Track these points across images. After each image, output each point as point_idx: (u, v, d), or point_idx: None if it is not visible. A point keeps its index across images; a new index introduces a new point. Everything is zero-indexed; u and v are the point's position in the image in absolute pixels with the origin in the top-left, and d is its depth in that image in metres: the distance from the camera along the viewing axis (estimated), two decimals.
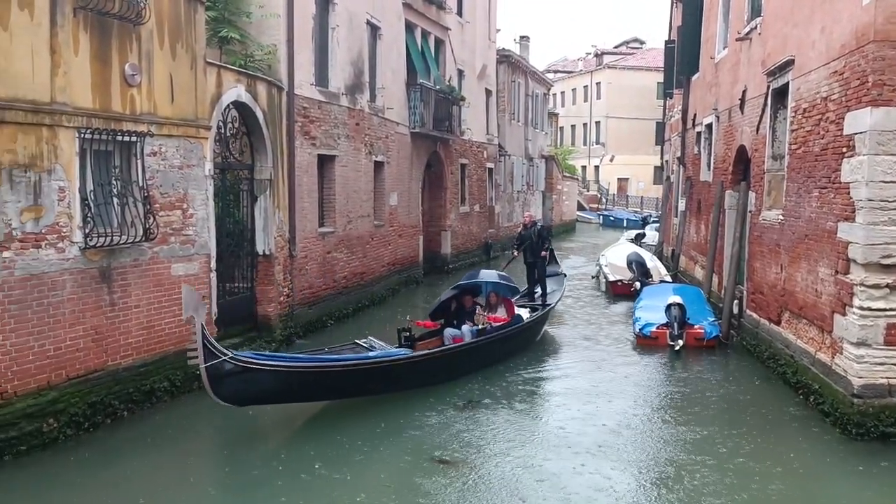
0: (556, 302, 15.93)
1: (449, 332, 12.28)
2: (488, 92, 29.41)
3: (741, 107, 14.88)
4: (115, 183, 9.52)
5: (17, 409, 8.21)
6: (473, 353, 11.91)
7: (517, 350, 13.09)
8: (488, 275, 13.60)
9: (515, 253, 16.40)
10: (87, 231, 8.99)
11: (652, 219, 41.95)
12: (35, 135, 8.38)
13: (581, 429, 9.60)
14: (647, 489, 7.81)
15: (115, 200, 9.52)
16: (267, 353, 9.80)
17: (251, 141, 13.05)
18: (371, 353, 10.55)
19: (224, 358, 8.48)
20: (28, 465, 8.00)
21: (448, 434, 9.31)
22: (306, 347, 13.56)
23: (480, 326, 12.34)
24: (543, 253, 15.92)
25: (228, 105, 12.04)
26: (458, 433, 9.35)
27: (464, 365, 11.67)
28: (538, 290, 15.88)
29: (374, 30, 18.44)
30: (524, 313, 14.09)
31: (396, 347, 11.23)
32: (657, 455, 8.80)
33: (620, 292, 19.72)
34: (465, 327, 12.27)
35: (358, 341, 11.13)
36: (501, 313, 12.98)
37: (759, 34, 13.80)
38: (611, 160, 61.32)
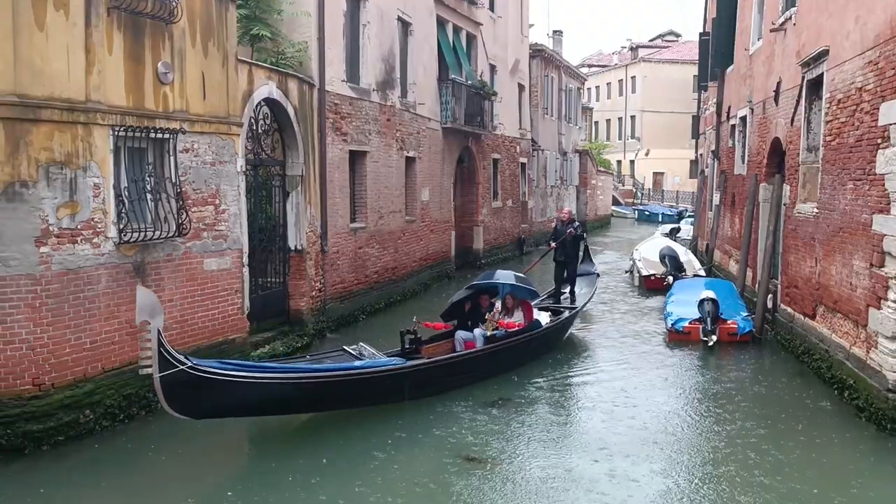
0: (584, 304, 15.16)
1: (461, 335, 11.61)
2: (521, 87, 29.33)
3: (776, 98, 14.68)
4: (148, 179, 9.69)
5: (55, 400, 8.42)
6: (478, 362, 11.08)
7: (531, 358, 12.14)
8: (505, 275, 12.43)
9: (553, 244, 15.55)
10: (121, 226, 9.17)
11: (687, 213, 41.56)
12: (70, 133, 8.57)
13: (613, 428, 9.44)
14: (680, 491, 7.64)
15: (149, 196, 9.69)
16: (234, 361, 8.86)
17: (283, 137, 13.19)
18: (357, 363, 9.63)
19: (182, 367, 7.70)
20: (66, 455, 8.20)
21: (477, 432, 9.22)
22: (337, 342, 13.73)
23: (489, 333, 11.45)
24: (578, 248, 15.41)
25: (260, 102, 12.18)
26: (488, 431, 9.25)
27: (466, 375, 10.82)
28: (565, 290, 15.37)
29: (405, 26, 18.50)
30: (544, 317, 13.19)
31: (388, 356, 10.26)
32: (691, 455, 8.66)
33: (653, 287, 19.59)
34: (478, 331, 11.57)
35: (347, 348, 10.37)
36: (518, 318, 12.01)
37: (794, 24, 13.60)
38: (646, 154, 60.79)
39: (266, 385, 8.53)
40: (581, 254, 16.05)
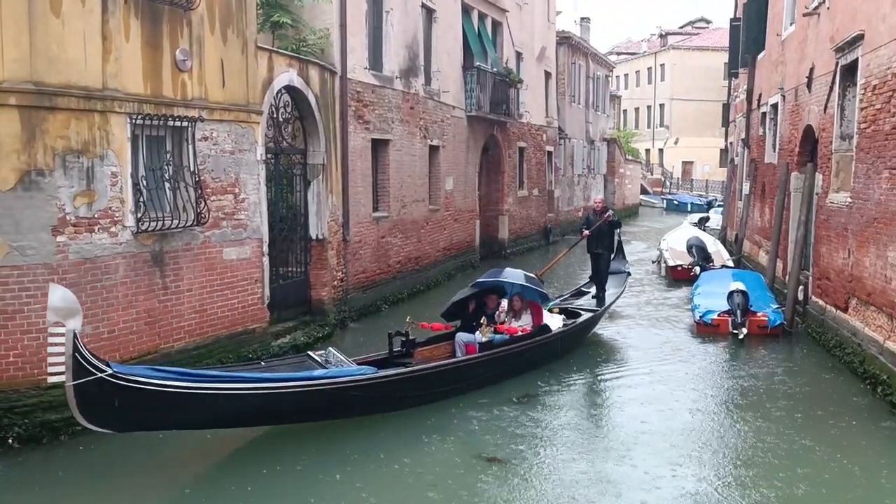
0: (606, 308, 13.86)
1: (461, 337, 10.75)
2: (547, 74, 29.00)
3: (808, 85, 14.29)
4: (166, 168, 9.61)
5: None
6: (462, 372, 10.04)
7: (535, 366, 11.05)
8: (513, 274, 11.39)
9: (585, 232, 14.11)
10: (139, 215, 9.10)
11: (717, 202, 40.97)
12: (87, 121, 8.50)
13: (641, 425, 9.14)
14: (709, 492, 7.35)
15: (167, 185, 9.61)
16: (170, 368, 7.82)
17: (304, 125, 13.06)
18: (316, 373, 8.58)
19: (101, 375, 6.81)
20: (84, 445, 8.15)
21: (499, 430, 8.92)
22: (359, 332, 13.65)
23: (485, 339, 10.54)
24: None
25: (280, 90, 12.05)
26: (511, 430, 8.95)
27: (450, 386, 9.81)
28: (593, 288, 14.35)
29: (429, 13, 18.29)
30: (557, 321, 12.03)
31: (364, 364, 9.32)
32: (721, 454, 8.34)
33: (680, 277, 19.28)
34: (476, 335, 10.71)
35: (313, 354, 9.28)
36: (526, 321, 11.10)
37: (828, 9, 13.20)
38: (675, 143, 60.03)
39: (200, 396, 7.51)
40: (613, 242, 14.77)
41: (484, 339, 10.56)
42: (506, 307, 11.31)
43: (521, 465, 7.99)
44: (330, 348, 9.54)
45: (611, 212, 14.49)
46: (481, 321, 10.76)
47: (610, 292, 14.17)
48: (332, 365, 8.94)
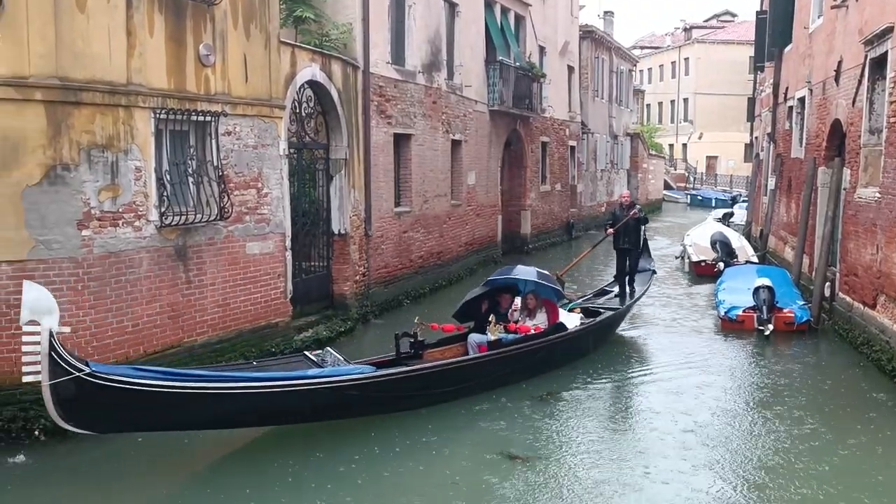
0: (632, 303, 13.47)
1: (474, 338, 10.37)
2: (570, 69, 28.83)
3: (836, 78, 14.09)
4: (190, 162, 9.65)
5: None
6: (472, 371, 9.71)
7: (549, 367, 10.62)
8: (525, 272, 11.05)
9: (609, 230, 13.65)
10: (162, 210, 9.15)
11: (742, 198, 40.59)
12: (112, 115, 8.55)
13: (666, 424, 8.96)
14: (737, 494, 7.20)
15: (191, 180, 9.64)
16: (151, 368, 7.55)
17: (326, 120, 13.07)
18: (311, 372, 8.28)
19: (79, 374, 6.61)
20: (110, 438, 8.18)
21: (521, 428, 8.80)
22: (382, 327, 13.65)
23: (493, 337, 10.20)
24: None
25: (303, 84, 12.07)
26: (533, 427, 8.83)
27: (457, 386, 9.45)
28: (617, 287, 13.80)
29: (451, 7, 18.24)
30: (574, 319, 11.57)
31: (367, 364, 9.04)
32: (748, 457, 8.04)
33: (704, 273, 19.11)
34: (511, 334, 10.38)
35: (309, 354, 8.95)
36: (540, 320, 10.74)
37: (856, 1, 12.99)
38: (699, 138, 59.53)
39: (183, 396, 7.23)
40: (640, 238, 14.14)
41: (493, 338, 10.20)
42: (519, 306, 10.98)
43: (544, 463, 7.89)
44: (328, 348, 9.28)
45: (638, 207, 13.97)
46: (489, 319, 10.42)
47: (637, 289, 13.70)
48: (329, 364, 8.63)
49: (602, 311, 12.66)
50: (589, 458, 8.11)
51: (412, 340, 9.85)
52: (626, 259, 13.59)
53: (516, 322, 10.69)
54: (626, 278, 13.54)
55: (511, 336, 10.30)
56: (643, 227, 14.07)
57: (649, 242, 14.91)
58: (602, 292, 14.16)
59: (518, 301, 11.06)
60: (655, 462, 7.93)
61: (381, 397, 8.69)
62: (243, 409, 7.74)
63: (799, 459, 7.98)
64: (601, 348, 12.10)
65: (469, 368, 9.73)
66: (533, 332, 10.46)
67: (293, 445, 8.17)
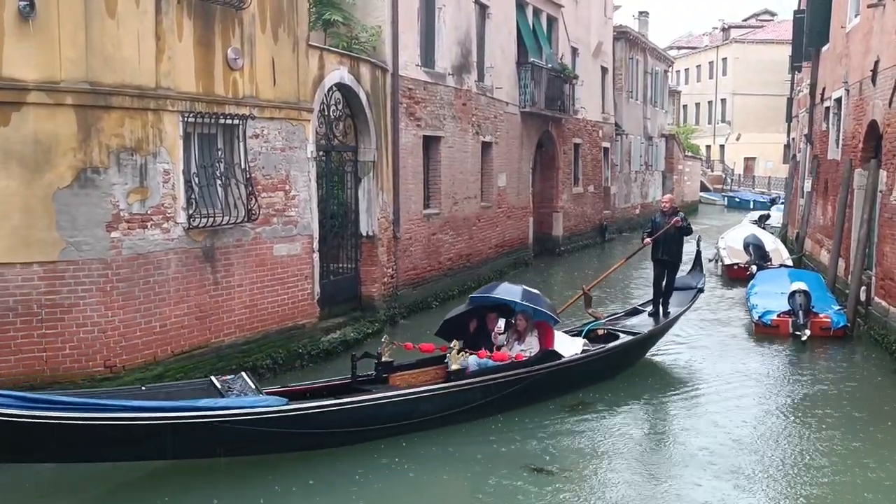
0: (660, 328, 11.68)
1: (475, 361, 9.15)
2: (604, 70, 28.63)
3: (873, 79, 13.80)
4: (218, 165, 9.76)
5: (126, 382, 8.55)
6: (415, 406, 8.42)
7: (536, 398, 9.33)
8: (509, 290, 9.67)
9: (647, 240, 12.07)
10: (190, 212, 9.27)
11: (780, 200, 39.97)
12: (141, 119, 8.69)
13: (699, 438, 8.67)
14: None
15: (218, 182, 9.77)
16: (13, 393, 6.69)
17: (355, 123, 13.14)
18: (200, 402, 7.27)
19: None
20: None
21: (546, 440, 8.52)
22: (410, 328, 13.66)
23: (455, 366, 8.80)
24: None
25: (331, 87, 12.15)
26: (559, 439, 8.57)
27: (391, 424, 8.25)
28: (650, 305, 12.22)
29: (482, 9, 18.22)
30: (576, 345, 10.11)
31: (264, 395, 7.76)
32: (792, 477, 7.74)
33: (736, 276, 18.86)
34: (473, 358, 9.06)
35: (216, 379, 7.86)
36: (530, 344, 9.53)
37: (894, 0, 12.73)
38: (737, 139, 58.70)
39: (37, 426, 6.52)
40: (682, 251, 12.28)
41: (454, 367, 8.80)
42: (503, 328, 9.89)
43: (571, 477, 7.66)
44: (242, 373, 8.15)
45: (681, 214, 12.17)
46: (452, 345, 8.99)
47: (671, 311, 11.98)
48: (234, 393, 7.65)
49: (621, 334, 11.07)
50: (614, 472, 7.87)
51: (377, 362, 8.89)
52: (663, 273, 11.99)
53: (499, 347, 9.56)
54: (662, 295, 12.03)
55: (483, 363, 9.05)
56: (696, 238, 12.91)
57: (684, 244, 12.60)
58: (634, 311, 12.44)
59: (501, 323, 9.96)
60: (689, 476, 7.68)
61: (296, 433, 7.64)
62: (112, 440, 6.91)
63: (839, 481, 7.62)
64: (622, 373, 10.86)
65: (409, 403, 8.42)
66: (511, 360, 9.22)
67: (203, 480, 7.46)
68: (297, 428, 7.63)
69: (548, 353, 9.47)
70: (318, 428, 7.82)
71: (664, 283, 12.01)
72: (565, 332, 10.87)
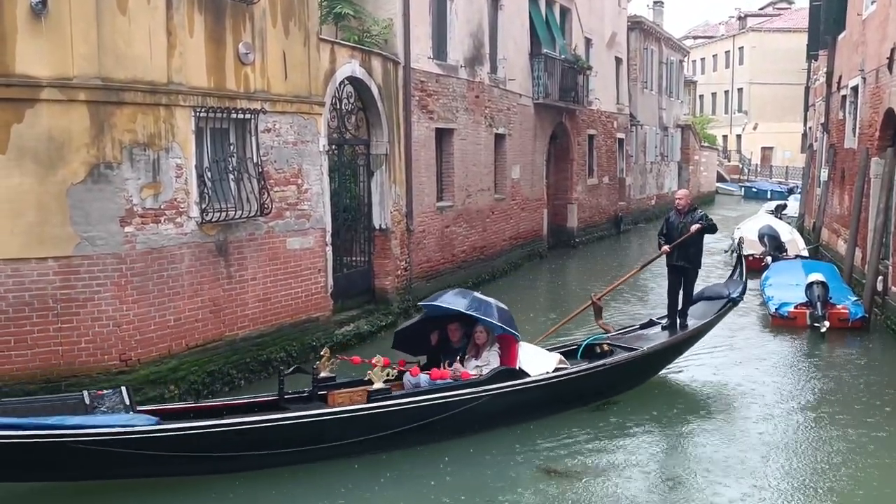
0: (672, 343, 10.14)
1: (409, 378, 8.20)
2: (618, 60, 28.49)
3: (889, 66, 13.65)
4: (230, 159, 9.81)
5: (141, 375, 8.66)
6: (307, 431, 7.40)
7: (489, 425, 8.19)
8: (454, 301, 8.36)
9: (665, 247, 10.38)
10: (203, 206, 9.32)
11: (798, 190, 39.66)
12: (153, 114, 8.74)
13: (720, 436, 8.46)
14: None
15: (231, 176, 9.81)
16: None
17: (367, 116, 13.16)
18: (49, 420, 6.55)
19: None
20: None
21: (562, 440, 8.26)
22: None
23: (377, 385, 7.84)
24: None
25: (343, 81, 12.16)
26: (573, 440, 8.31)
27: (282, 449, 7.28)
28: (665, 317, 10.72)
29: (494, 1, 18.16)
30: (551, 362, 8.71)
31: (134, 413, 6.97)
32: (816, 472, 7.61)
33: (752, 267, 18.52)
34: (424, 376, 8.10)
35: (88, 394, 7.22)
36: (487, 360, 8.33)
37: None
38: (754, 128, 58.25)
39: None
40: (701, 254, 10.68)
41: (375, 387, 7.85)
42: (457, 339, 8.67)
43: (586, 480, 7.44)
44: (122, 388, 7.41)
45: (701, 213, 10.55)
46: (373, 363, 8.02)
47: (690, 322, 10.47)
48: (103, 409, 6.97)
49: (619, 349, 9.74)
50: (631, 473, 7.62)
51: (314, 377, 7.97)
52: (679, 280, 10.45)
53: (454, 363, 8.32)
54: (680, 305, 10.56)
55: (415, 381, 8.15)
56: (739, 241, 11.90)
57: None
58: (650, 324, 10.87)
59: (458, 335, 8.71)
60: (711, 477, 7.44)
61: (156, 457, 6.80)
62: None
63: (867, 484, 7.40)
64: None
65: (313, 426, 7.44)
66: (455, 378, 8.09)
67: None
68: (165, 450, 6.79)
69: (504, 372, 8.27)
70: (193, 451, 6.95)
71: (680, 291, 10.51)
72: (565, 345, 10.03)
